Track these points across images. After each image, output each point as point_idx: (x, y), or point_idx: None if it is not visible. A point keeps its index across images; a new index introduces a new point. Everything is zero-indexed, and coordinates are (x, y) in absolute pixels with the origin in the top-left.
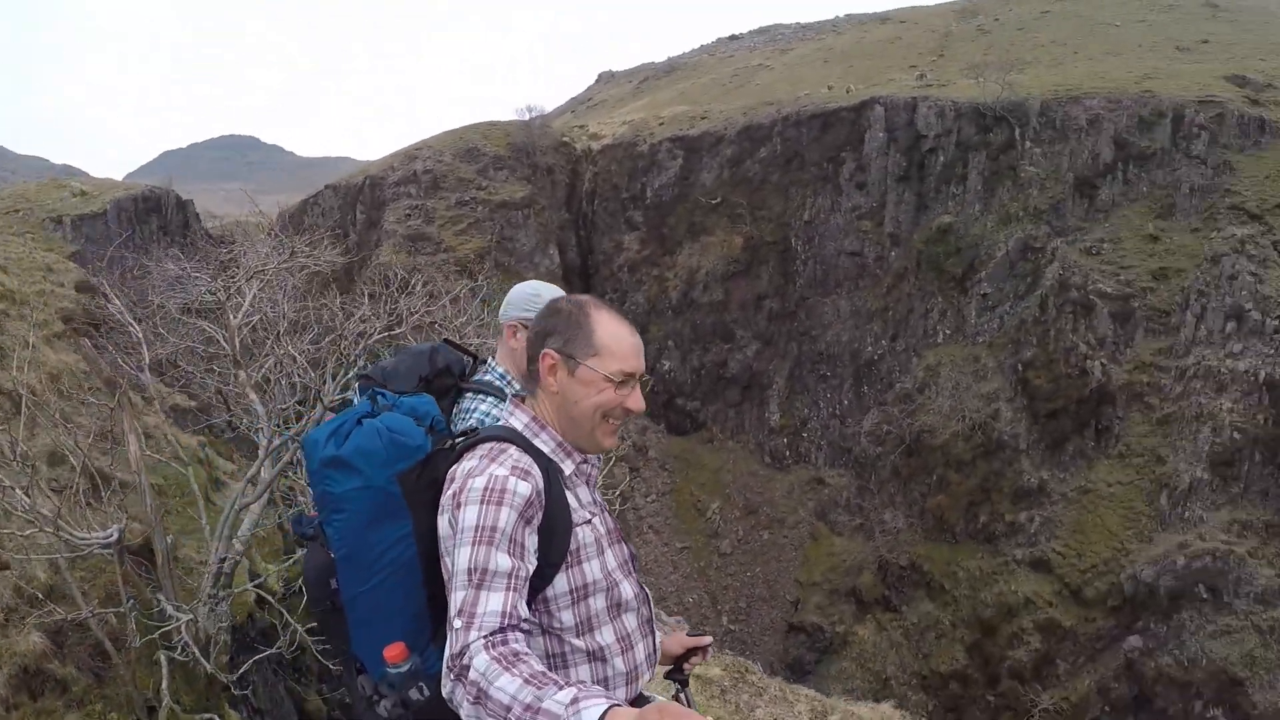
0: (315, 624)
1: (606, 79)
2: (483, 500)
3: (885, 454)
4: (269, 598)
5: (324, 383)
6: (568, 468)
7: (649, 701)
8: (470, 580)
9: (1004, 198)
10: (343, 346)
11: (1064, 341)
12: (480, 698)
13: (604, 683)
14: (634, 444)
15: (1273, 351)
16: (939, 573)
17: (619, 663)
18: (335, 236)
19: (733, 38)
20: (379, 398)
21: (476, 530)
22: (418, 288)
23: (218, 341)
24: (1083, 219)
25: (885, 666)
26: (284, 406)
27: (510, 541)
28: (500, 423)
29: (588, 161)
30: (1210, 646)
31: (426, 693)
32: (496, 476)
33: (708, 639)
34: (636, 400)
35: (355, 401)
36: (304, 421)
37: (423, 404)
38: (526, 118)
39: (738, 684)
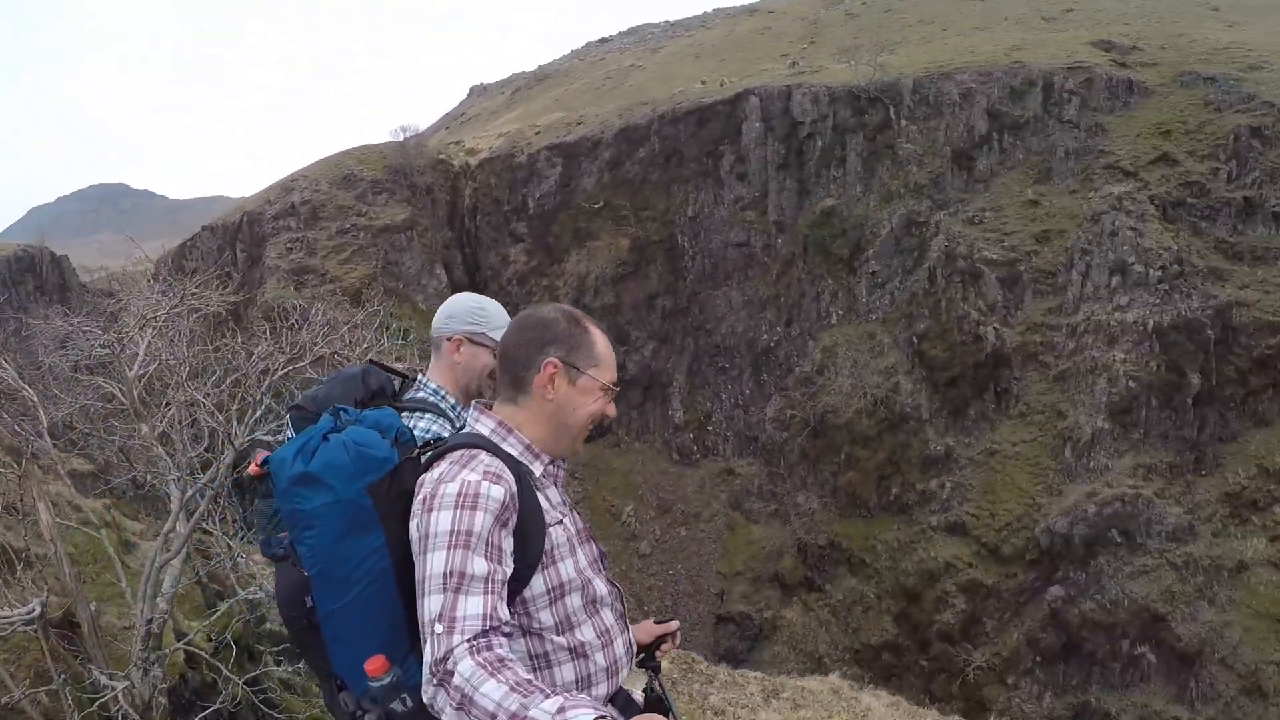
0: (251, 677)
1: (479, 92)
2: (456, 505)
3: (792, 438)
4: (203, 653)
5: (230, 425)
6: (537, 469)
7: (629, 696)
8: (446, 584)
9: (884, 176)
10: (246, 386)
11: (955, 310)
12: (464, 704)
13: (587, 679)
14: None
15: (1158, 301)
16: (858, 548)
17: (600, 658)
18: (220, 277)
19: (603, 41)
20: (341, 414)
21: (452, 535)
22: (317, 318)
23: (115, 397)
24: (963, 190)
25: (817, 646)
26: (191, 455)
27: (487, 545)
28: (465, 430)
29: (466, 177)
30: (1130, 587)
31: (410, 704)
32: (469, 481)
33: (675, 624)
34: (612, 407)
35: (289, 434)
36: (213, 469)
37: (386, 417)
38: (401, 138)
39: (687, 674)
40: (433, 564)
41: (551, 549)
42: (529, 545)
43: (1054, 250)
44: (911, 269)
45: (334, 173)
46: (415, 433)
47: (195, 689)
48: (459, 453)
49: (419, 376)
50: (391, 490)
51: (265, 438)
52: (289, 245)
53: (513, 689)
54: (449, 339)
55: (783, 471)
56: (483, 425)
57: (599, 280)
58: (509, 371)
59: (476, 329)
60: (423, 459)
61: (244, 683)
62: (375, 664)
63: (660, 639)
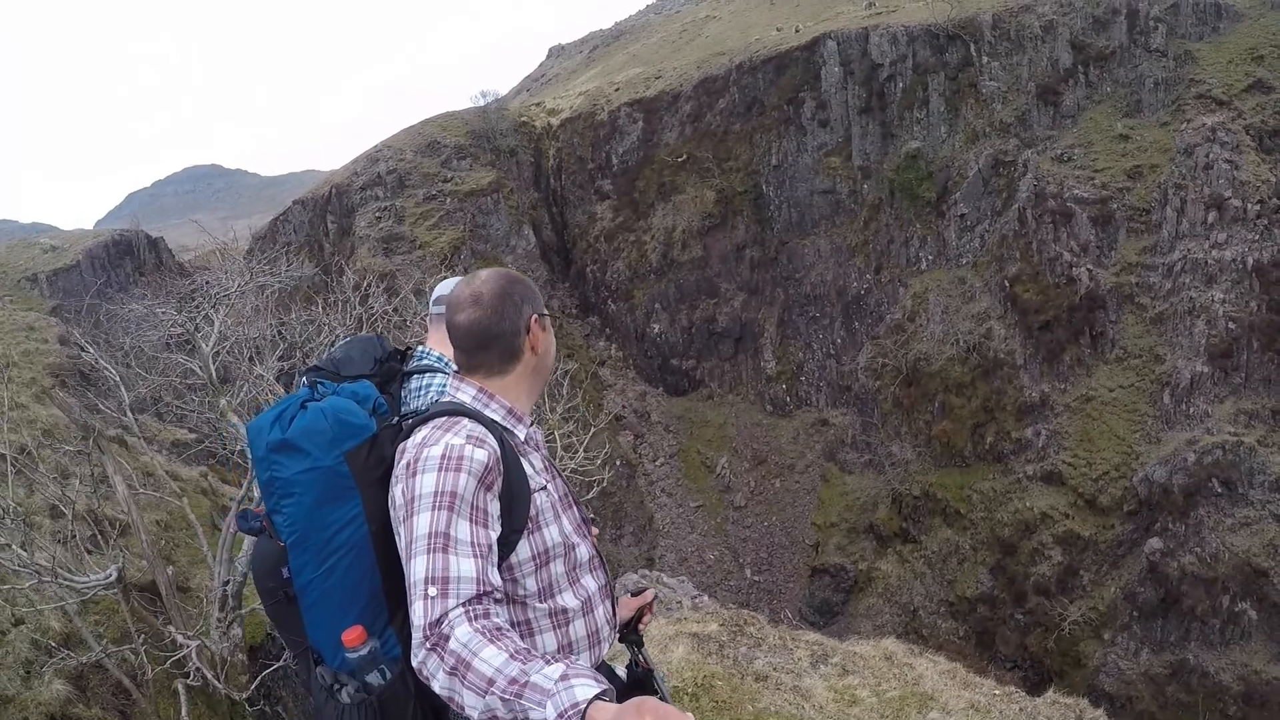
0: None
1: (557, 53)
2: (440, 468)
3: (884, 387)
4: None
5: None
6: (520, 433)
7: (611, 670)
8: (432, 544)
9: (968, 116)
10: (309, 359)
11: (1047, 252)
12: (459, 668)
13: (569, 647)
14: (635, 410)
15: (1258, 237)
16: (953, 498)
17: (580, 625)
18: (310, 250)
19: None
20: (319, 385)
21: (436, 495)
22: (380, 288)
23: (194, 373)
24: (1050, 127)
25: (912, 598)
26: None
27: (472, 508)
28: (445, 399)
29: (549, 138)
30: (1230, 540)
31: (388, 675)
32: (452, 445)
33: (651, 593)
34: None
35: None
36: None
37: (363, 388)
38: (482, 103)
39: (735, 637)
40: (418, 525)
41: (537, 514)
42: (514, 510)
43: (1146, 186)
44: (1000, 210)
45: (418, 141)
46: (434, 388)
47: (283, 645)
48: (441, 419)
49: (419, 348)
50: (370, 458)
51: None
52: (377, 214)
53: (513, 656)
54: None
55: (876, 421)
56: (463, 393)
57: (686, 234)
58: (497, 349)
59: None
60: (404, 426)
61: None
62: (353, 634)
63: (640, 612)
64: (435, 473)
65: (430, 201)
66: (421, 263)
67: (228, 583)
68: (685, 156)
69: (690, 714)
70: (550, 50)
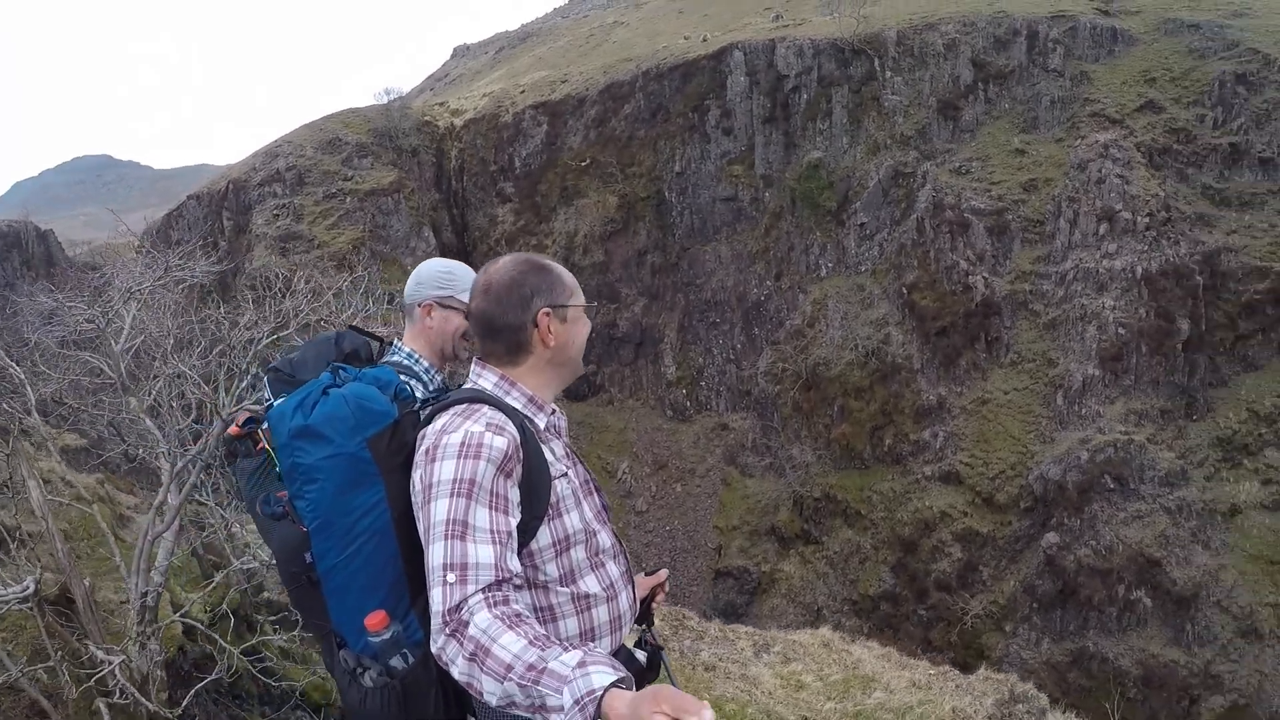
0: (249, 646)
1: (462, 52)
2: (459, 455)
3: (784, 391)
4: (199, 625)
5: (217, 396)
6: (541, 421)
7: (630, 654)
8: (450, 531)
9: (870, 128)
10: (232, 357)
11: (944, 261)
12: (478, 654)
13: (591, 632)
14: None
15: (1146, 247)
16: (854, 499)
17: (604, 611)
18: (205, 246)
19: None
20: (340, 371)
21: (455, 483)
22: (301, 285)
23: (104, 371)
24: (949, 141)
25: (815, 598)
26: (180, 427)
27: (491, 495)
28: (466, 385)
29: (452, 139)
30: (1124, 533)
31: (410, 660)
32: (472, 432)
33: (664, 572)
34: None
35: (267, 396)
36: (203, 440)
37: (385, 374)
38: (386, 101)
39: (678, 631)
40: (436, 512)
41: (557, 501)
42: (535, 497)
43: (1041, 199)
44: (899, 220)
45: (319, 137)
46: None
47: (194, 660)
48: (462, 405)
49: (395, 341)
50: (392, 444)
51: (254, 407)
52: (275, 212)
53: (531, 643)
54: (420, 305)
55: (776, 425)
56: (485, 380)
57: (587, 238)
58: (503, 340)
59: (445, 293)
60: (424, 413)
61: (241, 652)
62: (376, 619)
63: (653, 591)
64: (454, 460)
65: (330, 200)
66: (318, 263)
67: (145, 594)
68: (589, 161)
69: (707, 702)
70: (455, 50)
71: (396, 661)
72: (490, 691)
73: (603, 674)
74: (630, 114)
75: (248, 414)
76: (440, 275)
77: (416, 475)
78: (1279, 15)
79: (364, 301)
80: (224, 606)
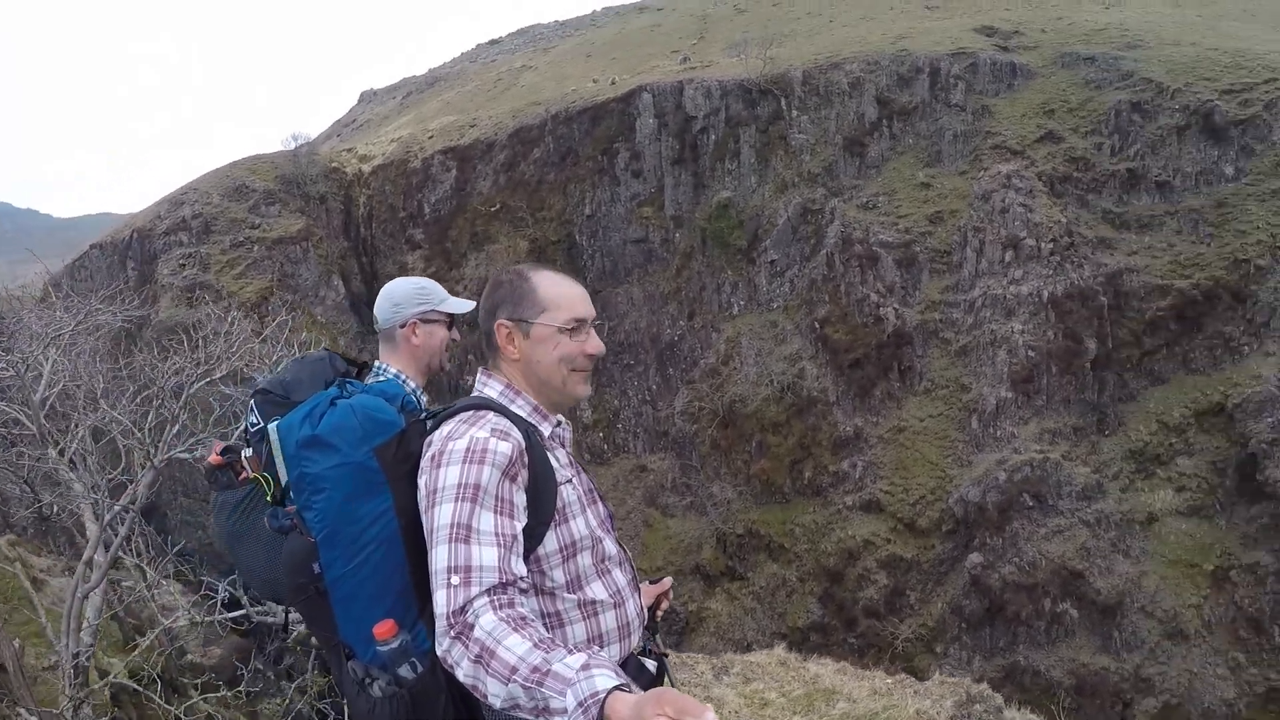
0: (188, 705)
1: (369, 98)
2: (465, 460)
3: (702, 430)
4: (136, 686)
5: (145, 443)
6: (546, 429)
7: (640, 664)
8: (454, 534)
9: (778, 167)
10: (161, 402)
11: (855, 294)
12: (483, 656)
13: (599, 639)
14: None
15: (1051, 272)
16: (777, 533)
17: (611, 618)
18: (111, 297)
19: (493, 42)
20: (347, 384)
21: (460, 488)
22: (233, 329)
23: (21, 422)
24: (856, 177)
25: (744, 633)
26: (109, 477)
27: (497, 500)
28: (474, 393)
29: (360, 185)
30: (1046, 548)
31: (419, 669)
32: (477, 438)
33: (669, 580)
34: (595, 344)
35: (254, 421)
36: (130, 490)
37: (392, 386)
38: (293, 147)
39: None
40: (441, 516)
41: (563, 507)
42: (542, 503)
43: (947, 230)
44: (809, 256)
45: (225, 184)
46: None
47: None
48: (468, 413)
49: (376, 363)
50: (399, 453)
51: (183, 454)
52: (181, 261)
53: (536, 645)
54: (403, 325)
55: (695, 464)
56: (491, 388)
57: None
58: (484, 340)
59: (426, 307)
60: (430, 422)
61: (178, 715)
62: (384, 628)
63: (658, 599)
64: (459, 465)
65: (237, 249)
66: (227, 314)
67: (78, 654)
68: (499, 205)
69: (710, 706)
70: (362, 95)
71: (405, 671)
72: (495, 694)
73: (606, 677)
74: (539, 158)
75: (224, 443)
76: (415, 292)
77: (422, 481)
78: (1171, 46)
79: (288, 348)
80: (149, 670)
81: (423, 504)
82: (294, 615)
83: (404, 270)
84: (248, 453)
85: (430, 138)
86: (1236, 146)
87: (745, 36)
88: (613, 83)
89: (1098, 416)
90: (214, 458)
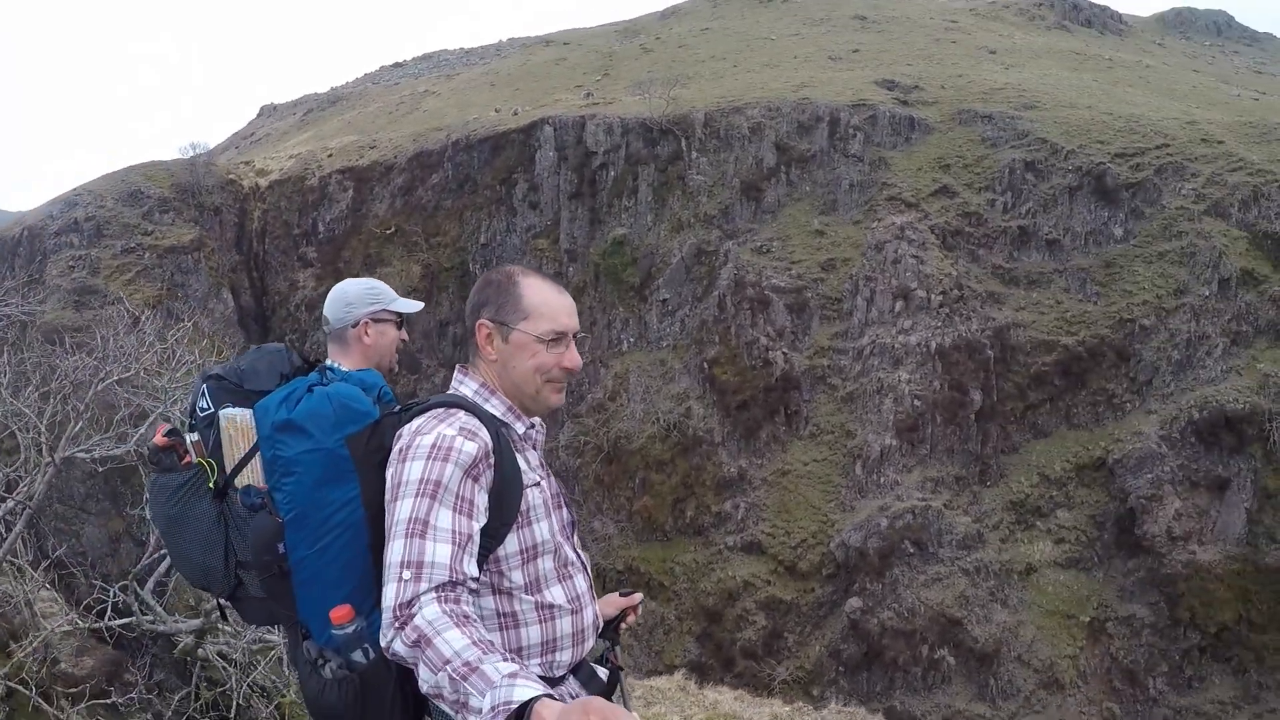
0: None
1: (269, 112)
2: (429, 457)
3: (586, 465)
4: (23, 690)
5: (42, 439)
6: (519, 429)
7: (592, 671)
8: (410, 530)
9: (675, 207)
10: (62, 399)
11: (745, 336)
12: (420, 643)
13: (553, 643)
14: None
15: (940, 323)
16: (656, 571)
17: (568, 623)
18: (11, 290)
19: (397, 65)
20: (328, 371)
21: (421, 483)
22: (147, 325)
23: None
24: (751, 221)
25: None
26: (6, 470)
27: (456, 498)
28: (450, 390)
29: (256, 199)
30: (925, 595)
31: (371, 655)
32: (444, 435)
33: (639, 595)
34: (572, 358)
35: (204, 406)
36: (25, 485)
37: (370, 377)
38: (190, 155)
39: None
40: (400, 510)
41: (528, 509)
42: (506, 504)
43: (839, 278)
44: (701, 297)
45: (120, 188)
46: None
47: None
48: (440, 409)
49: (327, 362)
50: (370, 443)
51: (82, 454)
52: (71, 264)
53: (474, 643)
54: (354, 325)
55: (578, 498)
56: (466, 386)
57: None
58: (464, 336)
59: (377, 307)
60: (403, 416)
61: None
62: (340, 612)
63: (624, 612)
64: (424, 460)
65: (129, 254)
66: (114, 321)
67: None
68: (394, 229)
69: (636, 715)
70: (262, 109)
71: (358, 656)
72: (424, 679)
73: (527, 689)
74: (438, 184)
75: (170, 425)
76: (366, 293)
77: (389, 473)
78: (1067, 108)
79: (190, 353)
80: (30, 677)
81: (387, 496)
82: (228, 610)
83: (294, 288)
84: (193, 437)
85: (329, 156)
86: (1126, 209)
87: (650, 76)
88: (515, 113)
89: (980, 467)
90: (159, 439)
